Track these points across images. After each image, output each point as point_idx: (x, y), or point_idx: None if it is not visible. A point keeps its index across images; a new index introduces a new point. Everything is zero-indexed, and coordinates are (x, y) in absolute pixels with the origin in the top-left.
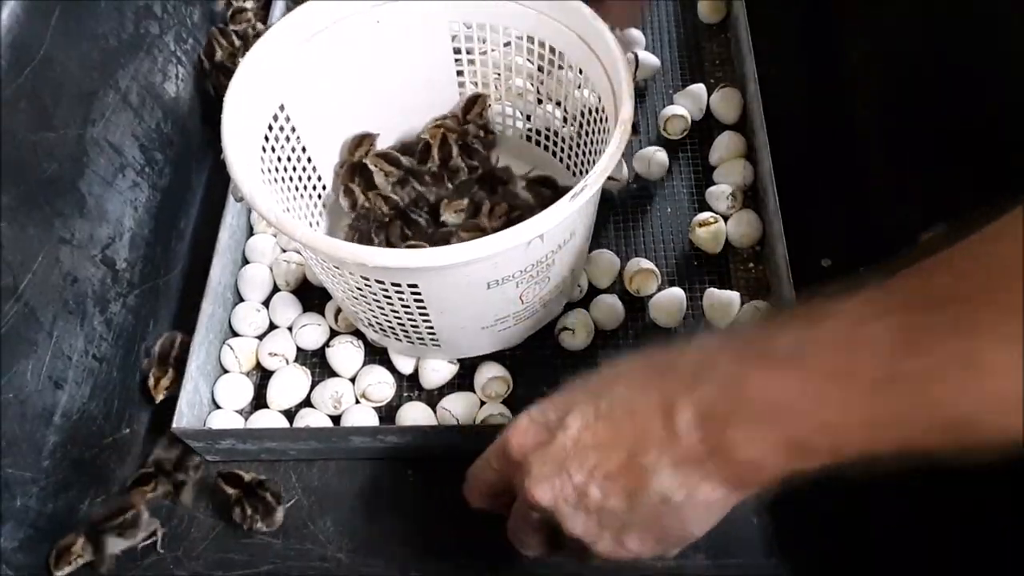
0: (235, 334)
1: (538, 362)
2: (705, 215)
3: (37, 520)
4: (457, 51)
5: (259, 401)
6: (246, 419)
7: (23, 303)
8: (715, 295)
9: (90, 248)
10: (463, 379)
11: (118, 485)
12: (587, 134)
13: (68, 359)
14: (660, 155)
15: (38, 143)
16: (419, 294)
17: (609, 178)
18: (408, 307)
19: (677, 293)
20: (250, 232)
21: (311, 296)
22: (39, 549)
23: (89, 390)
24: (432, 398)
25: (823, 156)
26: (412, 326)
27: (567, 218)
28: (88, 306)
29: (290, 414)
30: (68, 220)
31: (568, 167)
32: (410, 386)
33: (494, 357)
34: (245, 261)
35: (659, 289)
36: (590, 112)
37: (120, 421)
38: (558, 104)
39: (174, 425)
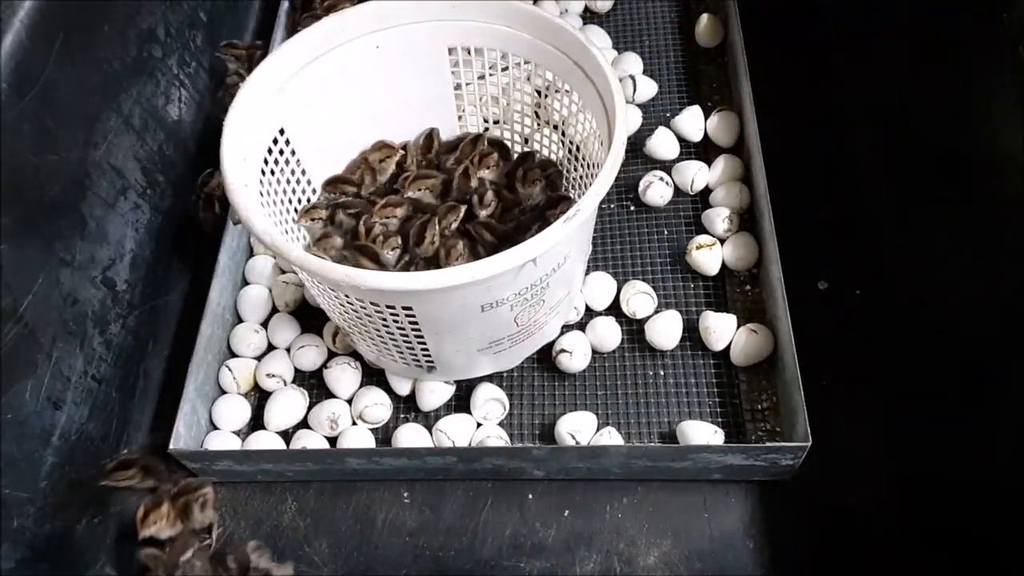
0: (234, 355)
1: (535, 384)
2: (702, 238)
3: (34, 541)
4: (455, 75)
5: (256, 422)
6: (243, 440)
7: (23, 324)
8: (711, 318)
9: (91, 269)
10: (460, 400)
11: (115, 507)
12: (583, 157)
13: (67, 380)
14: (656, 179)
15: (40, 166)
16: (414, 316)
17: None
18: (403, 329)
19: (673, 316)
20: (250, 253)
21: (310, 317)
22: (36, 569)
23: (88, 411)
24: (429, 420)
25: (819, 179)
26: (408, 348)
27: (560, 242)
28: (88, 327)
29: (287, 435)
30: (69, 242)
31: (566, 189)
32: (407, 407)
33: (491, 379)
34: (245, 282)
35: (656, 311)
36: (585, 136)
37: (118, 442)
38: (555, 128)
39: (171, 447)
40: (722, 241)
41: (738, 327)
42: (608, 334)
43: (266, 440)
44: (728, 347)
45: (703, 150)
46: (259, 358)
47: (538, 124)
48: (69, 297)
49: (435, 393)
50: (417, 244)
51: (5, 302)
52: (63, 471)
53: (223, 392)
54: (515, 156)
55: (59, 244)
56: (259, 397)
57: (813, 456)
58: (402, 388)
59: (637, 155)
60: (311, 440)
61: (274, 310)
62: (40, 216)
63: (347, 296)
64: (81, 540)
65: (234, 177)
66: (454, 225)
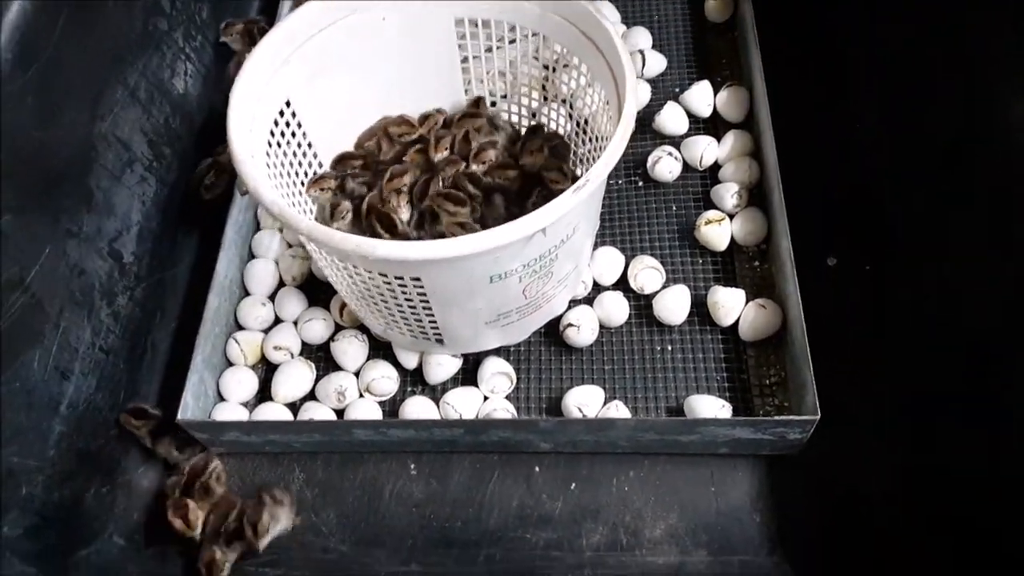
0: (240, 328)
1: (543, 358)
2: (711, 213)
3: (43, 509)
4: (463, 48)
5: (264, 394)
6: (251, 412)
7: (30, 294)
8: (720, 293)
9: (97, 241)
10: (467, 374)
11: (123, 477)
12: (591, 131)
13: (75, 350)
14: (665, 154)
15: (45, 138)
16: (422, 287)
17: None
18: (411, 301)
19: (682, 291)
20: (256, 227)
21: (316, 291)
22: (44, 536)
23: (96, 381)
24: (436, 393)
25: (829, 155)
26: (416, 320)
27: (569, 212)
28: (95, 298)
29: (295, 407)
30: (75, 214)
31: (573, 164)
32: (414, 381)
33: (498, 352)
34: (251, 256)
35: (664, 286)
36: (594, 109)
37: (118, 419)
38: (563, 102)
39: (179, 417)
40: (731, 216)
41: (747, 302)
42: (616, 309)
43: (273, 412)
44: (736, 322)
45: (712, 125)
46: (266, 331)
47: (545, 98)
48: (76, 268)
49: (442, 366)
50: (421, 199)
51: (11, 272)
52: (71, 440)
53: (230, 364)
54: (522, 131)
55: (65, 216)
56: (266, 369)
57: (820, 433)
58: (409, 361)
59: (645, 131)
60: (318, 412)
61: (281, 283)
62: (46, 188)
63: (356, 267)
64: (89, 509)
65: (241, 148)
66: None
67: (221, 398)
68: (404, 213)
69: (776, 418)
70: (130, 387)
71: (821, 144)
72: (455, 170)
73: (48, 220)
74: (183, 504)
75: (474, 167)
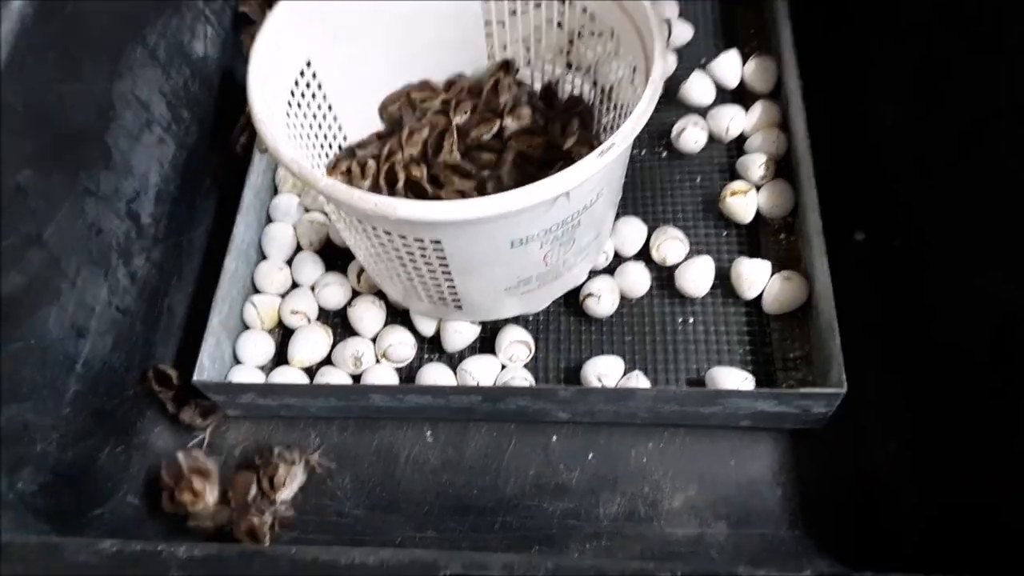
0: (257, 291)
1: (562, 328)
2: (737, 184)
3: (56, 466)
4: (485, 11)
5: (280, 358)
6: (267, 375)
7: (47, 251)
8: (745, 264)
9: (115, 201)
10: (485, 342)
11: (139, 438)
12: (615, 100)
13: (91, 309)
14: (690, 124)
15: (64, 93)
16: (442, 251)
17: None
18: (431, 265)
19: (706, 262)
20: (274, 191)
21: (334, 256)
22: (58, 494)
23: (112, 341)
24: (453, 360)
25: (859, 127)
26: (435, 285)
27: (594, 175)
28: (112, 258)
29: (311, 372)
30: (93, 172)
31: (595, 133)
32: (431, 348)
33: (517, 321)
34: (269, 220)
35: (687, 258)
36: (619, 76)
37: (142, 374)
38: (587, 71)
39: (195, 378)
40: (757, 188)
41: (772, 275)
42: (637, 279)
43: (290, 375)
44: (760, 295)
45: (739, 96)
46: (283, 295)
47: (569, 65)
48: (93, 227)
49: (460, 334)
50: (436, 154)
51: (28, 227)
52: (86, 400)
53: (247, 328)
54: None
55: (83, 173)
56: (283, 334)
57: (843, 407)
58: (427, 328)
59: (671, 101)
60: (335, 377)
61: (298, 248)
62: (64, 144)
63: (374, 229)
64: (104, 468)
65: (261, 106)
66: (486, 136)
67: (237, 361)
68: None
69: (801, 390)
70: (146, 348)
71: (850, 116)
72: (487, 130)
73: (66, 177)
74: (187, 480)
75: (508, 121)
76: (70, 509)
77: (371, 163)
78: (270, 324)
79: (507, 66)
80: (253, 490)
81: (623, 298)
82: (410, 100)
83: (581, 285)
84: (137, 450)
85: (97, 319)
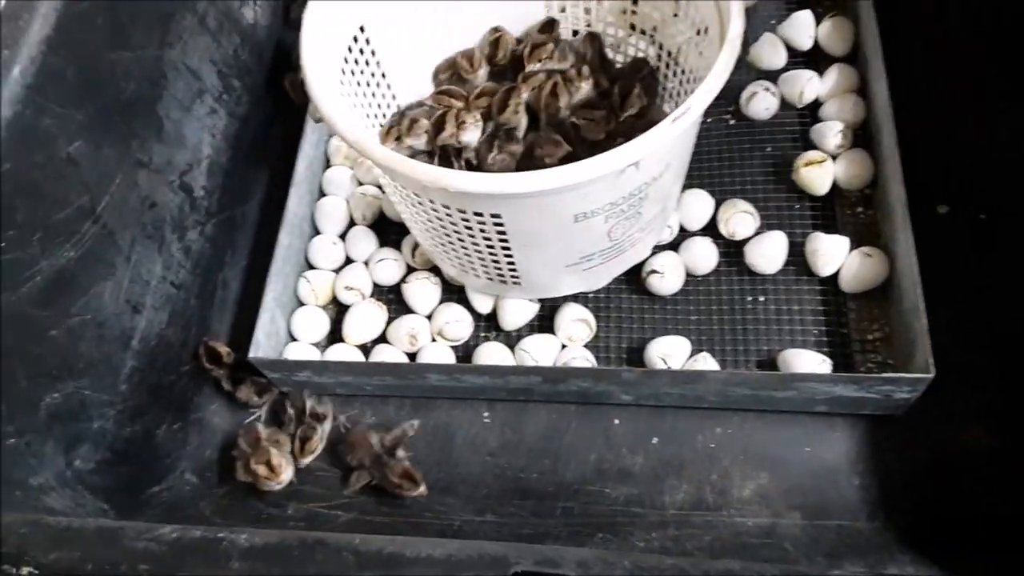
0: (311, 267)
1: (623, 306)
2: (812, 153)
3: (114, 443)
4: None
5: (335, 335)
6: (322, 352)
7: (101, 224)
8: (820, 239)
9: (168, 173)
10: (544, 321)
11: (196, 414)
12: (680, 64)
13: (146, 284)
14: (760, 89)
15: (116, 61)
16: (502, 225)
17: None
18: (489, 240)
19: (778, 237)
20: (327, 164)
21: (388, 231)
22: (116, 471)
23: (167, 316)
24: (511, 339)
25: (943, 93)
26: (493, 261)
27: (666, 144)
28: (166, 232)
29: (366, 350)
30: (145, 143)
31: (660, 99)
32: (488, 326)
33: (576, 299)
34: (322, 193)
35: (757, 232)
36: (686, 38)
37: (197, 349)
38: (652, 33)
39: (250, 355)
40: (833, 158)
41: (849, 251)
42: (704, 255)
43: (345, 353)
44: (837, 272)
45: (813, 59)
46: (337, 271)
47: (633, 27)
48: (147, 200)
49: (518, 312)
50: (500, 112)
51: (82, 200)
52: (143, 375)
53: (301, 304)
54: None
55: (136, 144)
56: (337, 310)
57: (926, 393)
58: (483, 306)
59: (739, 65)
60: (389, 355)
61: (352, 223)
62: (117, 114)
63: (431, 202)
64: (161, 445)
65: (314, 72)
66: (547, 89)
67: (292, 338)
68: (472, 133)
69: (884, 375)
70: (201, 324)
71: (934, 81)
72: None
73: (118, 148)
74: (264, 452)
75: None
76: (128, 486)
77: (423, 122)
78: (324, 300)
79: (551, 25)
80: (375, 440)
81: (688, 275)
82: (456, 70)
83: (644, 261)
84: (194, 427)
85: (152, 294)
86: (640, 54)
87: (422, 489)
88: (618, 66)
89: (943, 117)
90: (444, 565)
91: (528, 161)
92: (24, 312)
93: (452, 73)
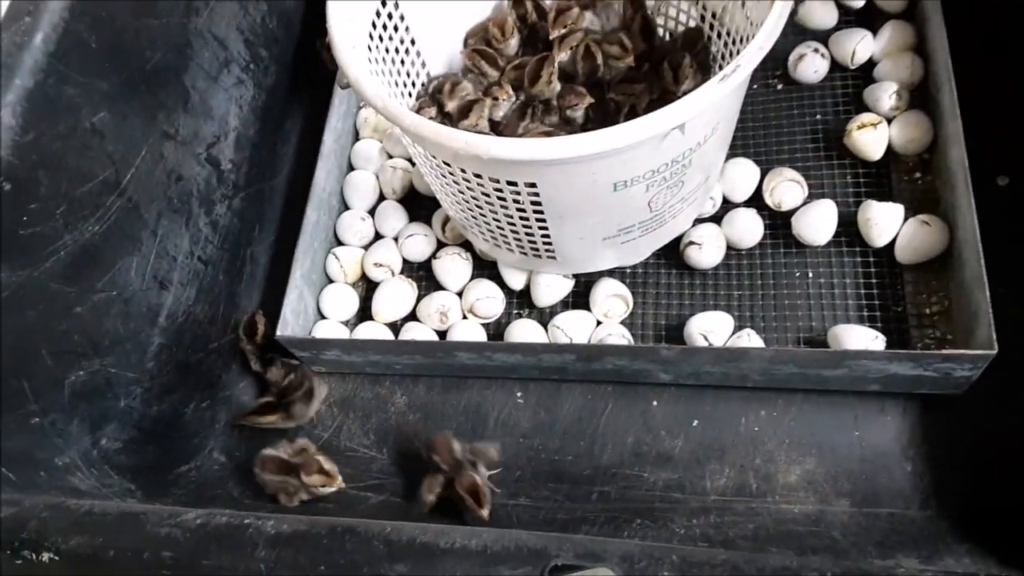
0: (340, 243)
1: (661, 281)
2: (865, 116)
3: (141, 422)
4: None
5: (364, 313)
6: (351, 330)
7: (126, 198)
8: (874, 208)
9: (195, 145)
10: (579, 297)
11: (224, 392)
12: (725, 26)
13: (173, 259)
14: (809, 51)
15: (141, 29)
16: (537, 195)
17: None
18: (524, 211)
19: (827, 206)
20: (356, 137)
21: (418, 205)
22: (143, 451)
23: (195, 293)
24: (544, 316)
25: (1004, 54)
26: (527, 234)
27: (713, 105)
28: (193, 206)
29: (395, 327)
30: (172, 114)
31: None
32: (520, 303)
33: (612, 274)
34: (350, 167)
35: (805, 202)
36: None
37: (226, 326)
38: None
39: (278, 333)
40: (888, 120)
41: (905, 219)
42: (748, 227)
43: (374, 331)
44: (892, 243)
45: (866, 17)
46: (366, 247)
47: None
48: (173, 173)
49: (552, 287)
50: (532, 83)
51: (107, 173)
52: (171, 353)
53: (330, 281)
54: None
55: (162, 115)
56: (367, 287)
57: (987, 371)
58: (516, 282)
59: (787, 24)
60: (420, 333)
61: (381, 197)
62: (142, 83)
63: (463, 172)
64: (190, 424)
65: (342, 37)
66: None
67: (321, 316)
68: (505, 109)
69: (944, 352)
70: (229, 300)
71: (998, 41)
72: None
73: (144, 119)
74: (315, 462)
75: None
76: (155, 466)
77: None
78: (353, 277)
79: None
80: (456, 446)
81: (731, 248)
82: (487, 39)
83: (682, 234)
84: (222, 405)
85: (179, 269)
86: (682, 15)
87: (483, 513)
88: (670, 37)
89: (1006, 81)
90: (480, 557)
91: (565, 128)
92: (48, 288)
93: (483, 41)
